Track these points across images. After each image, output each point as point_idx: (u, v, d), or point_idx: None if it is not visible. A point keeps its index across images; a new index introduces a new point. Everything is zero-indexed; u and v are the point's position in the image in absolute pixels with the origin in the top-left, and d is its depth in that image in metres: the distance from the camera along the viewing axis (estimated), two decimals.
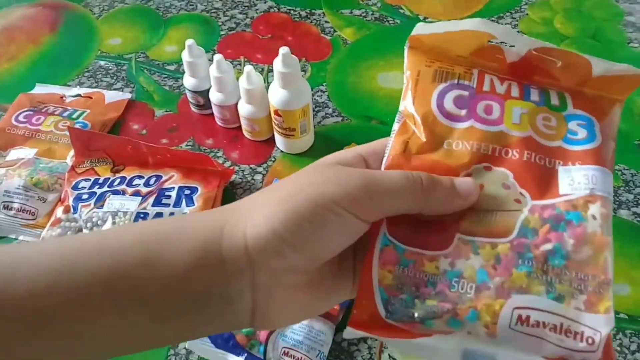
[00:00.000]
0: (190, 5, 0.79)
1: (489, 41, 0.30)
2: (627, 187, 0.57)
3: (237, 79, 0.60)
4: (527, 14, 0.76)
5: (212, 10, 0.78)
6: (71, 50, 0.75)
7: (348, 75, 0.70)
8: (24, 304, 0.24)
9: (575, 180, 0.28)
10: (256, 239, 0.26)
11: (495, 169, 0.28)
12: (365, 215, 0.26)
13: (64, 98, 0.67)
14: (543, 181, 0.28)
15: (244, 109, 0.60)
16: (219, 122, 0.64)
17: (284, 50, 0.54)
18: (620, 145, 0.58)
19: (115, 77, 0.71)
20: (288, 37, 0.75)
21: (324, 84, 0.69)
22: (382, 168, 0.29)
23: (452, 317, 0.25)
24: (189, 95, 0.64)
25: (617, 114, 0.30)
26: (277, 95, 0.57)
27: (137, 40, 0.75)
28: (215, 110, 0.63)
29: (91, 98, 0.67)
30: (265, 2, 0.79)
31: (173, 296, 0.25)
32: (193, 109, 0.66)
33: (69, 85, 0.70)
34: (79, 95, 0.67)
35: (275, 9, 0.78)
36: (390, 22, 0.76)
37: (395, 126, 0.30)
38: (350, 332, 0.26)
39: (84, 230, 0.53)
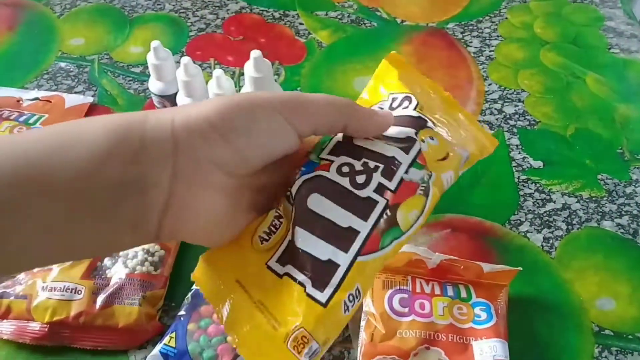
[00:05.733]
0: (158, 4, 0.76)
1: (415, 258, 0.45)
2: (610, 198, 0.55)
3: (207, 82, 0.56)
4: (506, 18, 0.74)
5: (181, 10, 0.75)
6: (30, 50, 0.70)
7: (323, 79, 0.67)
8: None
9: (484, 350, 0.42)
10: (185, 122, 0.25)
11: (432, 349, 0.42)
12: (297, 122, 0.27)
13: (20, 102, 0.63)
14: (463, 354, 0.42)
15: None
16: None
17: (255, 53, 0.51)
18: (603, 153, 0.57)
19: (76, 80, 0.67)
20: (261, 39, 0.72)
21: (298, 88, 0.66)
22: (359, 356, 0.43)
23: None
24: (155, 99, 0.61)
25: (505, 295, 0.46)
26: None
27: (101, 40, 0.71)
28: None
29: (50, 102, 0.63)
30: (237, 3, 0.76)
31: (87, 184, 0.23)
32: None
33: (27, 88, 0.66)
34: (37, 98, 0.63)
35: (247, 9, 0.75)
36: (367, 24, 0.73)
37: (362, 322, 0.44)
38: None
39: None
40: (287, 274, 0.28)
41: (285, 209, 0.30)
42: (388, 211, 0.29)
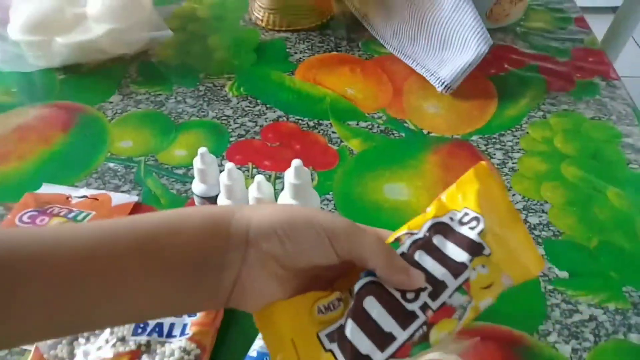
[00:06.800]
0: (202, 112, 0.82)
1: None
2: (635, 310, 0.56)
3: (246, 185, 0.60)
4: (527, 133, 0.78)
5: (223, 118, 0.81)
6: (81, 151, 0.76)
7: (354, 185, 0.71)
8: (69, 267, 0.29)
9: None
10: (257, 226, 0.33)
11: None
12: (338, 248, 0.34)
13: (70, 199, 0.67)
14: None
15: None
16: None
17: (296, 162, 0.55)
18: (627, 266, 0.58)
19: (123, 179, 0.71)
20: (296, 145, 0.77)
21: (330, 192, 0.70)
22: None
23: None
24: (196, 200, 0.65)
25: None
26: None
27: (148, 143, 0.77)
28: None
29: (97, 200, 0.67)
30: (274, 112, 0.82)
31: (190, 259, 0.32)
32: None
33: (77, 186, 0.70)
34: (85, 196, 0.68)
35: (284, 118, 0.81)
36: (395, 135, 0.78)
37: None
38: None
39: (80, 339, 0.51)
40: (331, 350, 0.34)
41: (346, 297, 0.35)
42: (425, 327, 0.34)
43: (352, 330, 0.34)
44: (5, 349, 0.46)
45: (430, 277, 0.35)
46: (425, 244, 0.37)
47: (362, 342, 0.33)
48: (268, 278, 0.34)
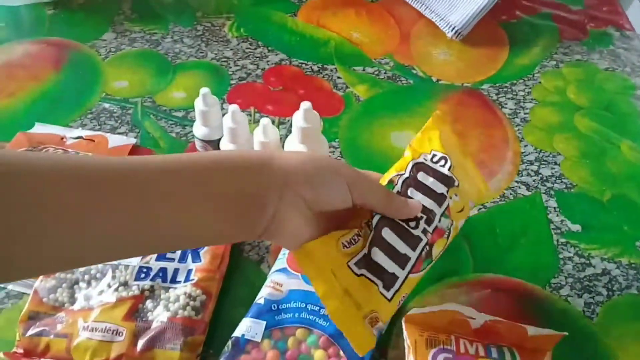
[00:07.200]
0: (200, 52, 0.78)
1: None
2: None
3: (249, 129, 0.57)
4: (540, 82, 0.75)
5: (223, 59, 0.77)
6: (74, 90, 0.72)
7: (361, 132, 0.68)
8: (154, 178, 0.33)
9: None
10: (294, 172, 0.37)
11: None
12: (355, 194, 0.39)
13: (64, 139, 0.64)
14: None
15: None
16: None
17: (305, 105, 0.52)
18: None
19: (119, 121, 0.68)
20: (300, 90, 0.74)
21: (337, 140, 0.67)
22: None
23: None
24: (197, 144, 0.62)
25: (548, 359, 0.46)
26: (295, 150, 0.54)
27: (144, 84, 0.73)
28: None
29: (93, 141, 0.64)
30: (276, 55, 0.78)
31: (239, 194, 0.35)
32: None
33: (71, 127, 0.67)
34: (80, 137, 0.64)
35: (287, 61, 0.77)
36: (403, 81, 0.75)
37: None
38: None
39: (81, 284, 0.49)
40: (363, 274, 0.40)
41: (365, 232, 0.42)
42: (427, 247, 0.43)
43: (378, 255, 0.41)
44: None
45: (424, 209, 0.43)
46: (412, 182, 0.45)
47: (388, 264, 0.41)
48: (299, 217, 0.38)
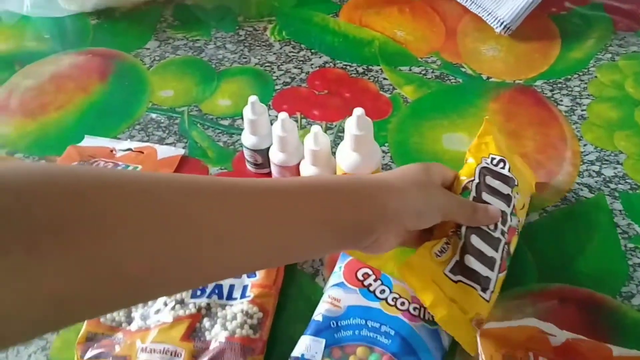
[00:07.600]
0: (244, 58, 0.77)
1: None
2: None
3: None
4: (595, 77, 0.72)
5: (266, 64, 0.76)
6: (121, 100, 0.72)
7: (410, 135, 0.66)
8: (291, 199, 0.37)
9: None
10: (403, 208, 0.41)
11: None
12: (445, 212, 0.44)
13: (114, 152, 0.64)
14: None
15: (309, 171, 0.56)
16: None
17: (358, 112, 0.51)
18: None
19: (167, 131, 0.68)
20: (345, 93, 0.72)
21: (386, 144, 0.65)
22: None
23: None
24: (246, 153, 0.61)
25: None
26: (348, 158, 0.53)
27: (189, 92, 0.73)
28: (274, 170, 0.59)
29: (142, 153, 0.64)
30: (320, 57, 0.77)
31: (351, 222, 0.39)
32: (249, 167, 0.62)
33: (119, 138, 0.67)
34: (130, 149, 0.64)
35: (330, 64, 0.76)
36: (452, 80, 0.73)
37: None
38: None
39: None
40: (460, 280, 0.44)
41: (454, 241, 0.45)
42: (506, 246, 0.47)
43: (471, 261, 0.44)
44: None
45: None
46: (484, 186, 0.48)
47: (480, 268, 0.44)
48: (396, 237, 0.42)
